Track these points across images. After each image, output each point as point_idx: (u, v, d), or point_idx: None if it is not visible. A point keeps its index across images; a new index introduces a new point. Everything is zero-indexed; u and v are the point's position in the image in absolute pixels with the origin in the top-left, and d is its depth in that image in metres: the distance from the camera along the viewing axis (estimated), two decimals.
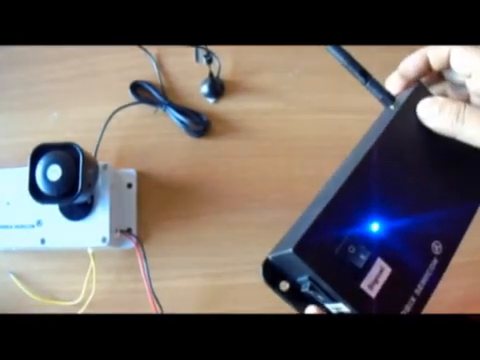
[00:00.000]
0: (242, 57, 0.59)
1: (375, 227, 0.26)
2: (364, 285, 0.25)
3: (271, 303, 0.51)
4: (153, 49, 0.59)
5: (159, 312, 0.49)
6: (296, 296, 0.28)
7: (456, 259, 0.52)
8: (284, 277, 0.28)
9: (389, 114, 0.30)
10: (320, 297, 0.26)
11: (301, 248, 0.24)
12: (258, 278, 0.51)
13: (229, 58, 0.59)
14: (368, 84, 0.31)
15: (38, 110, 0.58)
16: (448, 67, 0.31)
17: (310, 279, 0.26)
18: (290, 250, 0.24)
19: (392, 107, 0.31)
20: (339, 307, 0.26)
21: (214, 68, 0.56)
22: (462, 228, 0.30)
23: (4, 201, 0.51)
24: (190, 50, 0.56)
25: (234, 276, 0.52)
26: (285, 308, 0.50)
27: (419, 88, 0.31)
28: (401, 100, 0.31)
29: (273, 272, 0.28)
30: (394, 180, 0.28)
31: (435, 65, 0.32)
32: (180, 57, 0.59)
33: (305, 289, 0.26)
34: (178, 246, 0.53)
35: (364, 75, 0.31)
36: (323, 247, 0.25)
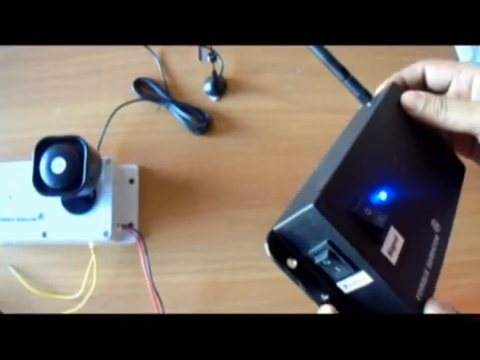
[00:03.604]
0: (245, 56, 0.60)
1: (383, 195, 0.26)
2: (384, 250, 0.24)
3: (271, 300, 0.52)
4: (157, 47, 0.60)
5: (159, 307, 0.49)
6: (304, 277, 0.25)
7: (452, 259, 0.53)
8: (291, 253, 0.25)
9: (367, 111, 0.31)
10: (337, 269, 0.24)
11: (323, 203, 0.22)
12: (259, 274, 0.52)
13: (232, 57, 0.59)
14: (346, 81, 0.32)
15: (41, 106, 0.59)
16: (424, 85, 0.33)
17: (329, 243, 0.23)
18: (311, 205, 0.22)
19: (369, 104, 0.32)
20: (358, 280, 0.24)
21: (217, 67, 0.56)
22: (452, 210, 0.31)
23: (6, 194, 0.51)
24: (193, 49, 0.57)
25: (234, 272, 0.53)
26: (284, 305, 0.50)
27: (394, 87, 0.32)
28: (378, 98, 0.31)
29: (279, 247, 0.24)
30: (385, 163, 0.28)
31: (412, 86, 0.33)
32: (183, 55, 0.59)
33: (321, 259, 0.24)
34: (179, 242, 0.54)
35: (343, 72, 0.31)
36: (344, 204, 0.23)
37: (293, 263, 0.25)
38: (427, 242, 0.27)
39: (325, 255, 0.23)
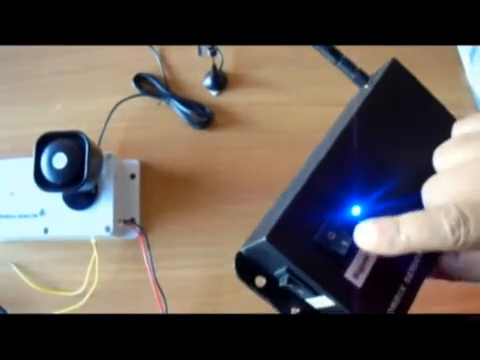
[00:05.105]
0: (245, 50, 0.60)
1: (356, 211, 0.24)
2: (349, 274, 0.23)
3: None
4: None
5: (162, 302, 0.49)
6: (275, 292, 0.25)
7: None
8: (260, 271, 0.25)
9: (364, 93, 0.28)
10: (300, 291, 0.24)
11: (276, 236, 0.22)
12: None
13: (232, 51, 0.59)
14: (339, 63, 0.29)
15: (42, 102, 0.58)
16: None
17: (288, 271, 0.23)
18: (263, 239, 0.22)
19: (366, 86, 0.29)
20: (322, 301, 0.24)
21: (217, 61, 0.56)
22: None
23: (7, 191, 0.51)
24: None
25: None
26: None
27: (394, 64, 0.29)
28: (376, 78, 0.28)
29: (248, 266, 0.25)
30: (371, 161, 0.26)
31: None
32: (183, 50, 0.59)
33: (283, 283, 0.24)
34: (180, 236, 0.53)
35: (334, 54, 0.29)
36: (300, 234, 0.23)
37: (262, 281, 0.25)
38: (408, 254, 0.25)
39: (285, 281, 0.24)
